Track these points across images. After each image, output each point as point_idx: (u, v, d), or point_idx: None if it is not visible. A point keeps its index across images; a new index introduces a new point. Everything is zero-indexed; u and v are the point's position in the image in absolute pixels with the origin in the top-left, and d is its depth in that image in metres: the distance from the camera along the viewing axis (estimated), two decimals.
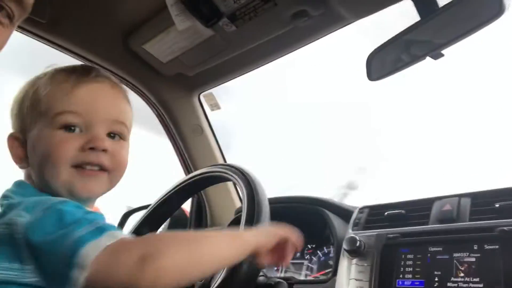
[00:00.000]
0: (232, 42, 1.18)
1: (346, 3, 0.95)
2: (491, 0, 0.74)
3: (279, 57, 1.26)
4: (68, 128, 0.63)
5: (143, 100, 1.44)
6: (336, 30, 1.11)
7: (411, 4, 0.88)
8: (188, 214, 1.60)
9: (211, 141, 1.52)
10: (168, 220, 1.50)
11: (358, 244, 0.88)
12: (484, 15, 0.75)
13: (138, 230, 1.10)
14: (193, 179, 1.10)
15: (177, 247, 0.52)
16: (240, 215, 0.87)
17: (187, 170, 1.52)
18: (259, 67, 1.32)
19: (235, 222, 1.29)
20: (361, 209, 1.02)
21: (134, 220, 1.21)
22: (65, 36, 1.19)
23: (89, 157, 0.64)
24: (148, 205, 1.15)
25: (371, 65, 0.98)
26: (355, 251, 0.89)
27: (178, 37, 1.18)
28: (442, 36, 0.86)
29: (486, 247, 0.74)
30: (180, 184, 1.12)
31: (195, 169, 1.13)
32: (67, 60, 1.21)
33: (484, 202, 0.84)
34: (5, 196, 0.61)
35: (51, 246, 0.51)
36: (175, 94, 1.46)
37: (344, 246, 0.90)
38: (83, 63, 0.80)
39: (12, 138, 0.68)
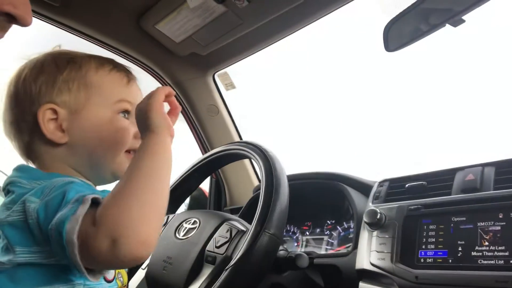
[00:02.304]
0: (245, 18, 1.16)
1: None
2: None
3: (293, 32, 1.24)
4: (124, 114, 0.69)
5: (158, 81, 1.44)
6: (350, 1, 1.08)
7: None
8: (207, 194, 1.62)
9: (227, 121, 1.52)
10: (188, 201, 1.52)
11: (379, 216, 0.87)
12: None
13: None
14: (210, 157, 1.11)
15: (137, 211, 0.51)
16: (259, 193, 0.87)
17: (204, 150, 1.53)
18: (274, 43, 1.30)
19: (254, 200, 1.29)
20: (381, 183, 1.01)
21: None
22: (78, 19, 1.19)
23: (137, 145, 0.68)
24: None
25: (388, 36, 0.95)
26: (376, 224, 0.88)
27: (190, 15, 1.17)
28: (462, 2, 0.82)
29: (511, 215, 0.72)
30: (198, 163, 1.13)
31: (212, 149, 1.13)
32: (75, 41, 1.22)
33: (508, 171, 0.81)
34: (12, 183, 0.61)
35: (52, 230, 0.52)
36: (190, 75, 1.46)
37: (365, 219, 0.90)
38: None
39: (51, 110, 0.64)
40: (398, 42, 0.94)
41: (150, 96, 0.62)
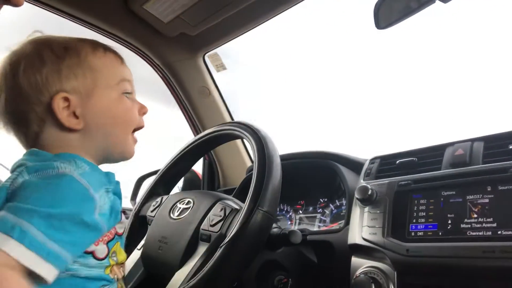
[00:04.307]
0: None
1: None
2: None
3: (284, 10, 1.22)
4: (127, 94, 0.71)
5: (147, 62, 1.43)
6: None
7: None
8: (200, 176, 1.62)
9: (219, 102, 1.52)
10: (182, 182, 1.53)
11: (370, 192, 0.89)
12: None
13: (153, 191, 1.12)
14: (202, 139, 1.10)
15: None
16: (252, 174, 0.88)
17: (196, 131, 1.53)
18: (264, 22, 1.28)
19: (247, 181, 1.30)
20: (372, 160, 1.02)
21: (148, 183, 1.23)
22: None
23: (142, 122, 0.74)
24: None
25: (379, 14, 0.95)
26: (368, 199, 0.89)
27: None
28: None
29: (500, 187, 0.74)
30: (190, 144, 1.13)
31: (204, 130, 1.13)
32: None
33: (496, 145, 0.83)
34: (21, 165, 0.62)
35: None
36: (179, 56, 1.44)
37: (356, 195, 0.91)
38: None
39: (63, 99, 0.64)
40: (389, 19, 0.94)
41: None
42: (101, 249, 0.64)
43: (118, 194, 0.70)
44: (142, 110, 0.74)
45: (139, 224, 1.07)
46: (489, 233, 0.71)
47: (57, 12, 1.18)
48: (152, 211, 1.04)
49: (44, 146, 0.66)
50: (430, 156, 0.91)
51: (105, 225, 0.61)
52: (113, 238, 0.66)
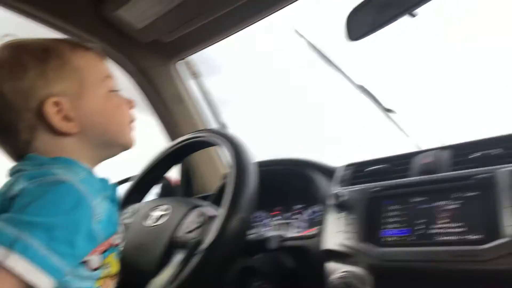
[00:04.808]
0: (210, 5, 1.15)
1: None
2: None
3: (259, 20, 1.23)
4: (113, 91, 0.70)
5: (121, 68, 1.41)
6: None
7: None
8: (176, 183, 1.61)
9: (194, 109, 1.51)
10: (156, 189, 1.51)
11: (344, 198, 0.91)
12: None
13: (128, 198, 1.11)
14: (177, 145, 1.10)
15: None
16: (227, 181, 0.88)
17: (171, 138, 1.51)
18: (239, 30, 1.29)
19: (223, 188, 1.30)
20: (346, 167, 1.05)
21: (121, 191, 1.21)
22: (34, 3, 1.13)
23: (134, 115, 0.74)
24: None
25: (351, 26, 0.98)
26: (341, 205, 0.92)
27: (152, 1, 1.15)
28: None
29: (465, 194, 0.78)
30: (165, 151, 1.12)
31: (179, 137, 1.13)
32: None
33: (463, 153, 0.87)
34: (19, 170, 0.60)
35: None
36: (153, 62, 1.43)
37: (331, 201, 0.93)
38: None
39: (54, 103, 0.62)
40: (360, 31, 0.97)
41: None
42: (95, 260, 0.62)
43: (114, 201, 0.68)
44: (130, 104, 0.74)
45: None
46: (457, 237, 0.75)
47: (26, 15, 1.15)
48: (126, 219, 1.02)
49: (38, 154, 0.63)
50: (400, 163, 0.95)
51: (102, 234, 0.60)
52: (108, 249, 0.64)
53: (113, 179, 0.72)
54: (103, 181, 0.67)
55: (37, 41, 0.67)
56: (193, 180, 1.55)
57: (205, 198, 1.42)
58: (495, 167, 0.77)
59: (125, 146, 0.73)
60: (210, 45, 1.39)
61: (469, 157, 0.84)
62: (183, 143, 1.09)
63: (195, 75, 1.51)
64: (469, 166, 0.82)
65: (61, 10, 1.18)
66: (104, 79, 0.69)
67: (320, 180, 1.12)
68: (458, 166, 0.85)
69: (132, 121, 0.74)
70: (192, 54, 1.45)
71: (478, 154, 0.83)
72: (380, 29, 0.95)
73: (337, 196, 0.93)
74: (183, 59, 1.47)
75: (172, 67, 1.47)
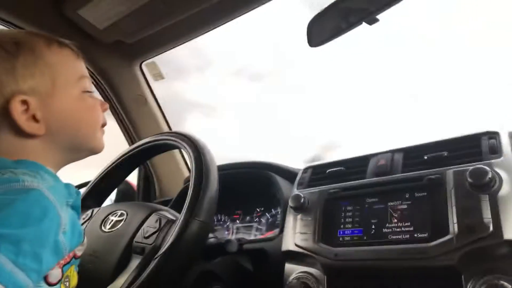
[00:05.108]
0: (174, 7, 1.15)
1: None
2: None
3: (223, 23, 1.24)
4: (87, 91, 0.66)
5: None
6: None
7: None
8: (135, 187, 1.58)
9: (156, 111, 1.50)
10: (115, 194, 1.47)
11: (302, 200, 0.93)
12: None
13: (83, 204, 1.06)
14: (138, 148, 1.08)
15: None
16: (189, 184, 0.87)
17: (131, 141, 1.49)
18: (203, 33, 1.30)
19: (184, 192, 1.29)
20: (305, 169, 1.07)
21: None
22: None
23: (105, 119, 0.71)
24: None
25: (312, 32, 1.00)
26: (300, 207, 0.93)
27: (115, 1, 1.13)
28: (376, 3, 0.90)
29: (416, 194, 0.81)
30: (124, 154, 1.10)
31: (140, 140, 1.11)
32: None
33: (414, 156, 0.91)
34: None
35: None
36: (115, 63, 1.41)
37: (290, 203, 0.95)
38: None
39: (21, 102, 0.57)
40: (320, 38, 1.00)
41: None
42: (55, 274, 0.57)
43: (77, 208, 0.63)
44: (103, 107, 0.70)
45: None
46: (407, 236, 0.78)
47: None
48: (82, 224, 0.99)
49: (0, 155, 0.58)
50: (356, 165, 0.98)
51: (67, 246, 0.55)
52: (69, 261, 0.60)
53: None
54: (68, 187, 0.62)
55: (9, 32, 0.63)
56: (153, 184, 1.53)
57: (165, 202, 1.40)
58: (443, 168, 0.81)
59: (94, 150, 0.69)
60: (174, 47, 1.39)
61: (420, 159, 0.88)
62: (144, 146, 1.07)
63: (158, 76, 1.49)
64: (418, 168, 0.86)
65: (19, 8, 1.14)
66: (79, 78, 0.65)
67: (280, 183, 1.13)
68: (409, 168, 0.88)
69: (104, 124, 0.70)
70: (156, 56, 1.44)
71: (428, 156, 0.87)
72: (340, 35, 0.98)
73: (295, 198, 0.94)
74: (146, 60, 1.45)
75: (135, 68, 1.45)
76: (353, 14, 0.96)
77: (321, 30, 1.01)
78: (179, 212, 0.88)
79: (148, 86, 1.49)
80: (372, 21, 0.94)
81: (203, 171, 0.86)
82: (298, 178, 1.06)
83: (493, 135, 0.83)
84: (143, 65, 1.46)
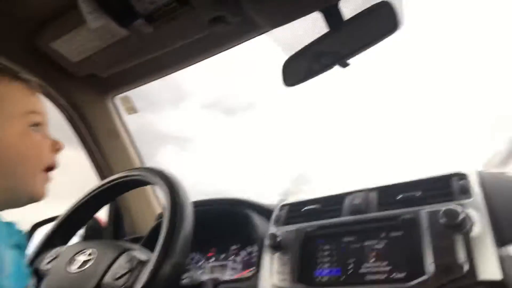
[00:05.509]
0: (149, 44, 1.16)
1: (263, 13, 0.98)
2: (388, 17, 0.83)
3: (197, 62, 1.26)
4: (35, 128, 0.62)
5: (52, 102, 1.34)
6: (254, 37, 1.15)
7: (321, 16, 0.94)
8: (102, 223, 1.52)
9: (128, 146, 1.47)
10: (82, 232, 1.41)
11: (279, 239, 0.92)
12: (382, 30, 0.85)
13: (49, 241, 1.02)
14: (109, 184, 1.05)
15: None
16: (161, 221, 0.85)
17: (102, 176, 1.44)
18: (177, 71, 1.31)
19: (156, 229, 1.25)
20: (282, 207, 1.07)
21: (43, 232, 1.12)
22: None
23: (55, 161, 0.65)
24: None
25: (286, 72, 1.03)
26: (277, 246, 0.92)
27: (90, 36, 1.12)
28: (348, 47, 0.93)
29: (392, 234, 0.82)
30: (95, 190, 1.06)
31: (111, 175, 1.08)
32: None
33: (388, 195, 0.92)
34: None
35: None
36: (88, 96, 1.38)
37: (266, 242, 0.93)
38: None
39: None
40: (295, 78, 1.02)
41: None
42: None
43: (22, 247, 0.60)
44: (55, 147, 0.66)
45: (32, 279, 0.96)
46: (384, 276, 0.78)
47: None
48: (47, 264, 0.94)
49: None
50: (332, 204, 0.98)
51: None
52: None
53: (25, 223, 0.64)
54: (9, 226, 0.59)
55: None
56: (124, 220, 1.48)
57: (137, 240, 1.35)
58: (417, 208, 0.83)
59: (31, 196, 0.63)
60: (148, 82, 1.39)
61: (394, 198, 0.90)
62: (115, 181, 1.04)
63: (131, 110, 1.48)
64: (394, 207, 0.87)
65: None
66: (26, 113, 0.62)
67: (256, 220, 1.12)
68: (385, 207, 0.89)
69: (50, 167, 0.65)
70: (130, 90, 1.43)
71: (401, 196, 0.88)
72: (314, 76, 1.01)
73: (272, 236, 0.93)
74: (120, 94, 1.44)
75: (108, 102, 1.43)
76: (325, 57, 0.99)
77: (296, 71, 1.04)
78: (152, 250, 0.85)
79: (120, 120, 1.46)
80: (344, 64, 0.97)
81: (177, 209, 0.85)
82: (274, 215, 1.05)
83: (463, 176, 0.86)
84: (116, 99, 1.45)
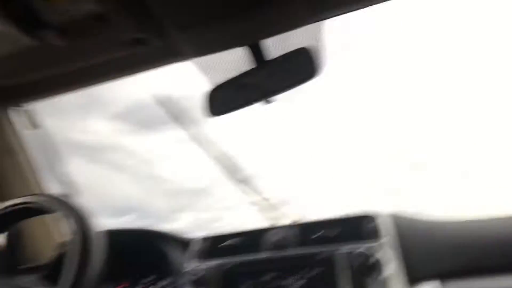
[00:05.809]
0: (62, 57, 1.05)
1: (187, 42, 0.95)
2: (307, 63, 0.87)
3: (114, 79, 1.18)
4: None
5: None
6: (177, 62, 1.11)
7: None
8: None
9: (28, 165, 1.31)
10: None
11: (198, 275, 0.90)
12: (302, 74, 0.88)
13: None
14: (5, 210, 0.93)
15: None
16: (65, 251, 0.81)
17: None
18: (92, 86, 1.21)
19: (59, 259, 1.13)
20: (202, 240, 1.04)
21: None
22: None
23: None
24: None
25: (212, 101, 1.01)
26: (195, 282, 0.90)
27: None
28: (272, 85, 0.95)
29: (309, 273, 0.85)
30: None
31: (6, 199, 0.96)
32: None
33: (309, 232, 0.94)
34: None
35: None
36: None
37: (184, 278, 0.90)
38: None
39: None
40: (220, 108, 1.01)
41: None
42: None
43: None
44: None
45: None
46: None
47: None
48: None
49: None
50: (252, 239, 0.98)
51: None
52: None
53: None
54: None
55: None
56: (19, 247, 1.31)
57: (36, 269, 1.21)
58: (333, 247, 0.86)
59: None
60: (57, 96, 1.26)
61: (312, 236, 0.92)
62: (13, 208, 0.93)
63: (31, 126, 1.32)
64: (313, 245, 0.90)
65: None
66: None
67: (173, 252, 1.07)
68: (305, 244, 0.92)
69: None
70: (33, 103, 1.29)
71: (318, 234, 0.91)
72: (239, 109, 1.00)
73: (193, 272, 0.90)
74: (20, 107, 1.28)
75: (5, 115, 1.26)
76: (251, 90, 1.00)
77: (222, 101, 1.02)
78: (52, 284, 0.81)
79: (19, 135, 1.30)
80: (269, 101, 0.99)
81: (84, 242, 0.79)
82: (193, 249, 1.02)
83: (372, 218, 0.91)
84: (15, 111, 1.28)
